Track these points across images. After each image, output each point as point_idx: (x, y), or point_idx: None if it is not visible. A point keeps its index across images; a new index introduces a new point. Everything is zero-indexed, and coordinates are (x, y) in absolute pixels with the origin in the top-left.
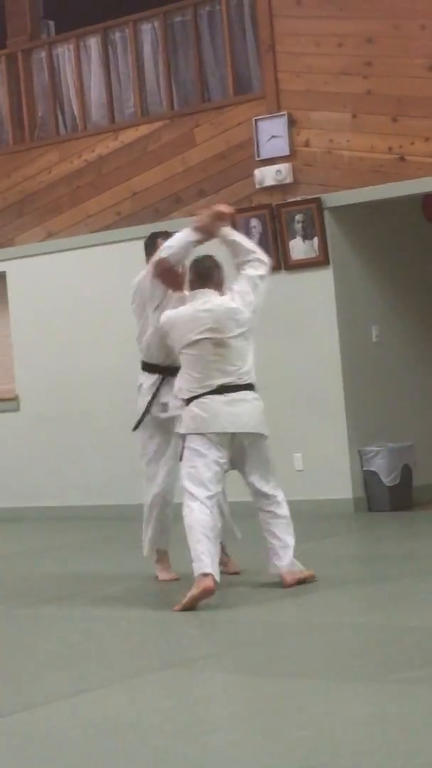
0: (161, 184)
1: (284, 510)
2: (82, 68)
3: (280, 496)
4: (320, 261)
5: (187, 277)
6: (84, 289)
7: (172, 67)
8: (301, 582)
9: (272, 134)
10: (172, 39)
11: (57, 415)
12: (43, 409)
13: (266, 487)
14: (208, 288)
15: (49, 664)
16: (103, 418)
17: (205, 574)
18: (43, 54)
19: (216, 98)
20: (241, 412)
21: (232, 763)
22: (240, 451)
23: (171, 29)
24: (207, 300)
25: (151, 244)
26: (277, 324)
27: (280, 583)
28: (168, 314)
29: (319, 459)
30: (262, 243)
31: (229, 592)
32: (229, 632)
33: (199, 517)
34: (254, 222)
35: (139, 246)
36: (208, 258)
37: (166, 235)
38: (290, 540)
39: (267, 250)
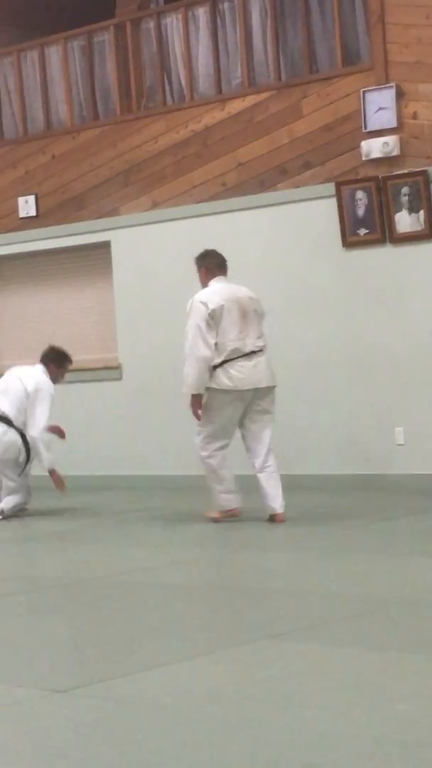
0: (267, 155)
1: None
2: (190, 38)
3: None
4: (426, 234)
5: (200, 269)
6: (188, 260)
7: (280, 37)
8: None
9: (380, 106)
10: (281, 9)
11: (159, 385)
12: (146, 378)
13: None
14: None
15: (148, 633)
16: None
17: None
18: (152, 24)
19: (324, 69)
20: None
21: (331, 736)
22: None
23: (280, 0)
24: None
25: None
26: (381, 297)
27: (377, 559)
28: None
29: (420, 433)
30: (368, 215)
31: (325, 563)
32: (326, 604)
33: None
34: (360, 194)
35: (244, 217)
36: (216, 251)
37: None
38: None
39: (372, 223)
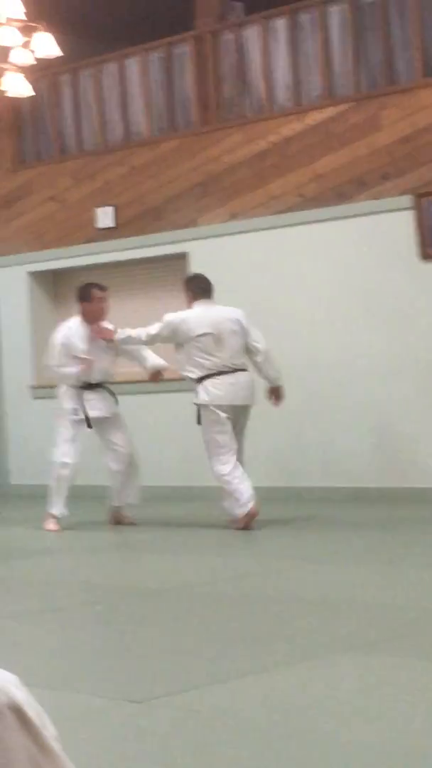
0: (345, 167)
1: None
2: (269, 50)
3: None
4: None
5: (187, 291)
6: (266, 271)
7: (359, 48)
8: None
9: None
10: (360, 20)
11: None
12: None
13: None
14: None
15: (225, 643)
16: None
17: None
18: (231, 36)
19: (403, 80)
20: None
21: (413, 752)
22: None
23: (359, 11)
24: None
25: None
26: None
27: None
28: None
29: None
30: None
31: (404, 577)
32: (409, 616)
33: None
34: None
35: (322, 228)
36: (203, 276)
37: (100, 287)
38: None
39: None
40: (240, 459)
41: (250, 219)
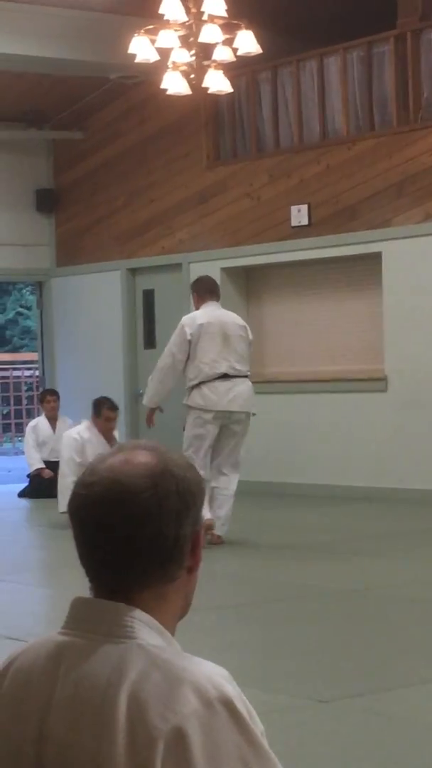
0: None
1: None
2: None
3: None
4: None
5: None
6: None
7: None
8: None
9: None
10: None
11: (426, 398)
12: (412, 391)
13: None
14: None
15: (409, 648)
16: None
17: None
18: None
19: None
20: None
21: None
22: None
23: None
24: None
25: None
26: None
27: None
28: None
29: None
30: None
31: None
32: None
33: None
34: None
35: None
36: (210, 278)
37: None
38: None
39: None
40: (232, 469)
41: None
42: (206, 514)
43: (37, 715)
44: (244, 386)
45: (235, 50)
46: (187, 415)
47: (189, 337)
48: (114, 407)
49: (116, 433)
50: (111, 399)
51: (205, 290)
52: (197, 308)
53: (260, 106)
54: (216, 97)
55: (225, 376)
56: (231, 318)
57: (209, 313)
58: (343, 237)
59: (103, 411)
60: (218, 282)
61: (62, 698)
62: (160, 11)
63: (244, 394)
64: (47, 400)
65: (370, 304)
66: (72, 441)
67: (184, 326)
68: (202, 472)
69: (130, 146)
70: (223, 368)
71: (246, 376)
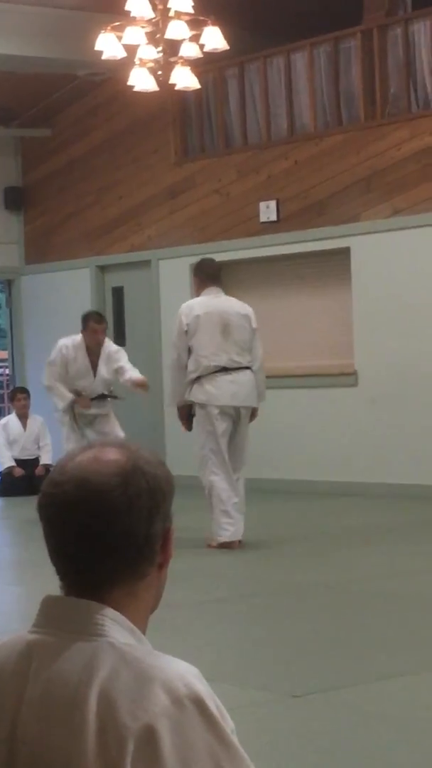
0: None
1: None
2: None
3: None
4: None
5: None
6: (430, 268)
7: None
8: None
9: None
10: None
11: (395, 392)
12: (382, 385)
13: None
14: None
15: (384, 643)
16: None
17: None
18: (399, 30)
19: None
20: None
21: None
22: None
23: None
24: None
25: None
26: None
27: None
28: None
29: None
30: None
31: None
32: None
33: None
34: None
35: None
36: (212, 261)
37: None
38: None
39: None
40: (238, 471)
41: (413, 215)
42: (227, 532)
43: (9, 715)
44: (245, 378)
45: (201, 46)
46: (194, 414)
47: (185, 328)
48: (100, 319)
49: (108, 341)
50: (99, 312)
51: (206, 275)
52: (198, 294)
53: (228, 102)
54: (183, 94)
55: (224, 369)
56: (232, 306)
57: (208, 301)
58: (311, 232)
59: (89, 324)
60: (192, 279)
61: (33, 697)
62: (127, 8)
63: (245, 388)
64: (18, 398)
65: (339, 300)
66: (62, 348)
67: (181, 315)
68: (224, 484)
69: (98, 143)
70: (222, 361)
71: (248, 368)
